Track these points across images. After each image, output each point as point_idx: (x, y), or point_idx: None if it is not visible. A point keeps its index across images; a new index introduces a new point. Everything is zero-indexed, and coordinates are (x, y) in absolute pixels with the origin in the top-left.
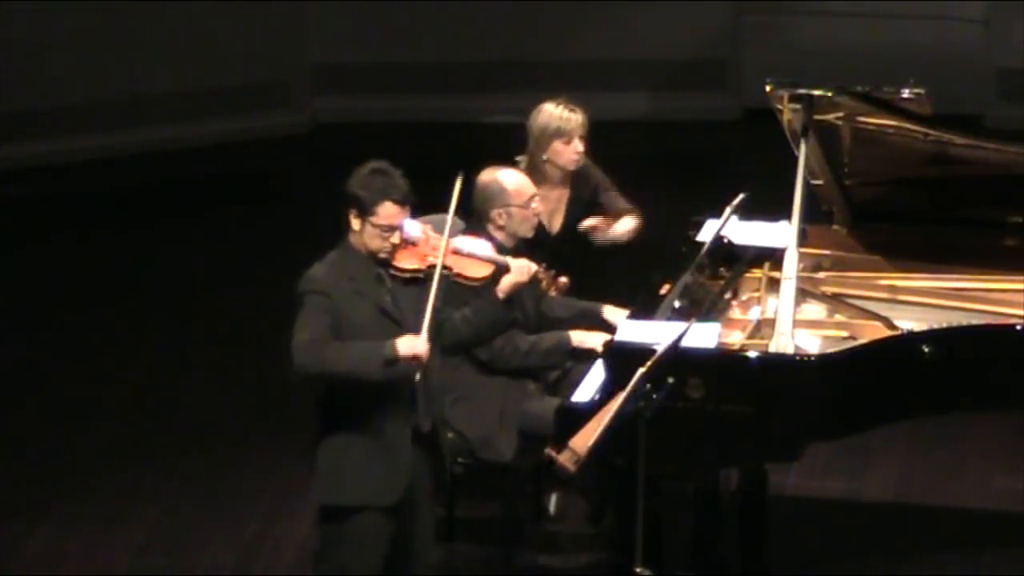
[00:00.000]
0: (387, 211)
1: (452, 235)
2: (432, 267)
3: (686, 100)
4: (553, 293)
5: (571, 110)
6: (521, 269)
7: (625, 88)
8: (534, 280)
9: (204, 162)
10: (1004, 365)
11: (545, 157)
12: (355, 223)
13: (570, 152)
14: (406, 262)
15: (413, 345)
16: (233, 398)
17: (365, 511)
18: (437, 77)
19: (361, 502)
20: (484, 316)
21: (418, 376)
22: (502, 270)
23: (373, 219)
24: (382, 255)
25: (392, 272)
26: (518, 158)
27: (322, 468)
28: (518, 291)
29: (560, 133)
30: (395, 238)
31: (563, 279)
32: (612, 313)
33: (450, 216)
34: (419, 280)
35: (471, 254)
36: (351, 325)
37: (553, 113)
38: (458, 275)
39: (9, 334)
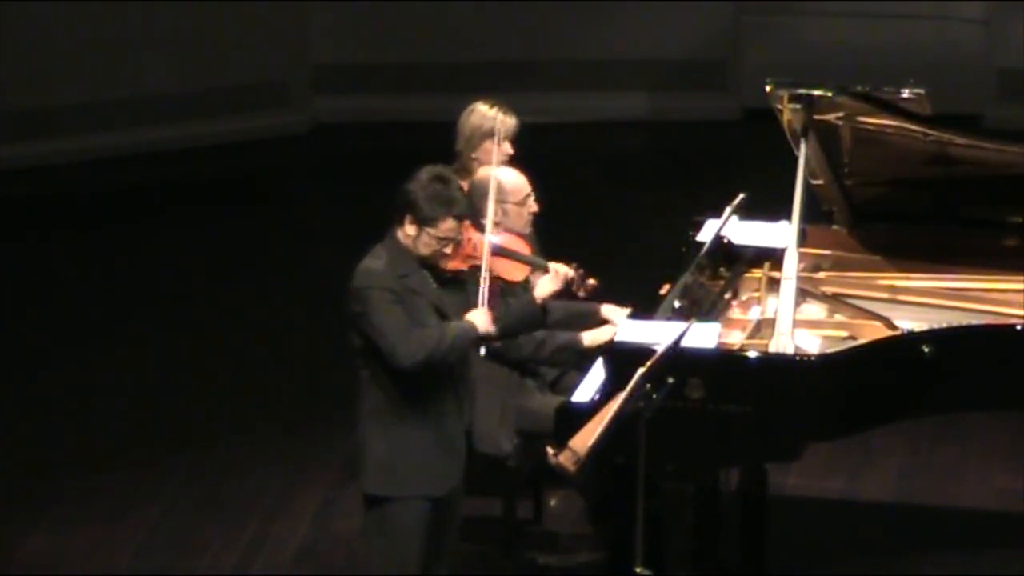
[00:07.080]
0: (448, 226)
1: None
2: (474, 268)
3: (686, 100)
4: (582, 295)
5: (505, 113)
6: (558, 274)
7: (625, 88)
8: (567, 284)
9: (204, 162)
10: (1004, 365)
11: (474, 156)
12: (410, 228)
13: (499, 154)
14: (449, 262)
15: (486, 321)
16: (233, 398)
17: (414, 501)
18: (437, 77)
19: (421, 492)
20: (517, 315)
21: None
22: (539, 271)
23: (432, 231)
24: (430, 261)
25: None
26: (454, 166)
27: (379, 460)
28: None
29: (492, 134)
30: (448, 249)
31: (592, 281)
32: (611, 312)
33: (489, 217)
34: (459, 281)
35: (510, 256)
36: (415, 324)
37: (487, 114)
38: (497, 277)
39: (8, 333)
